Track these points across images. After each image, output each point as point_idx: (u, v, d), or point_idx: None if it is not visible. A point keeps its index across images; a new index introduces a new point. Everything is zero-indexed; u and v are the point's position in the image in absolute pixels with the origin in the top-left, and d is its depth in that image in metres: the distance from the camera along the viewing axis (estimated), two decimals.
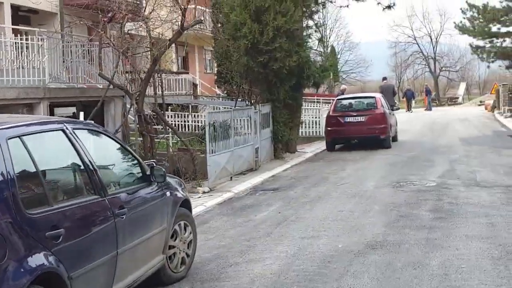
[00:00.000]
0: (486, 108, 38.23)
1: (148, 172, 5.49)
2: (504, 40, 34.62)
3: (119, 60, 12.64)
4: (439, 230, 7.57)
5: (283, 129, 16.13)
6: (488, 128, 24.65)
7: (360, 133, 18.24)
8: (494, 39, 34.51)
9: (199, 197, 11.24)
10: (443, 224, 7.86)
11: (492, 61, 35.97)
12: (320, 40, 17.13)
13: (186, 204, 6.33)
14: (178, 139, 14.56)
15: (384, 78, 29.71)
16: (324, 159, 16.67)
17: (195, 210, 9.90)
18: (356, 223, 8.23)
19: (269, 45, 14.93)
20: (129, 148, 5.61)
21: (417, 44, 65.45)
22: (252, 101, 16.19)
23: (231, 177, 13.18)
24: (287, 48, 15.09)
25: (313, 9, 17.54)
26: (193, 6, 12.63)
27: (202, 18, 12.61)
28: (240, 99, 16.91)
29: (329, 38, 62.85)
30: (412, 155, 16.09)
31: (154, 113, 14.30)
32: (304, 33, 17.31)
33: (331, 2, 18.30)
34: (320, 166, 14.93)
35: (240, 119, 14.46)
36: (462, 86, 59.71)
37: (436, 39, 65.79)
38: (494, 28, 34.19)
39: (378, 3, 18.34)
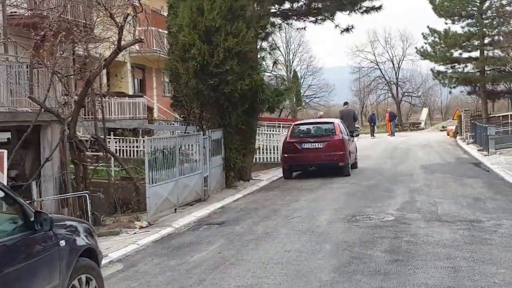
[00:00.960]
0: (448, 134, 38.02)
1: (32, 219, 4.42)
2: (466, 66, 34.63)
3: (51, 82, 11.49)
4: (395, 276, 6.64)
5: (236, 156, 15.16)
6: (450, 155, 24.13)
7: (318, 160, 17.41)
8: (456, 64, 34.49)
9: (135, 233, 10.13)
10: (399, 269, 6.94)
11: (454, 87, 35.95)
12: (275, 63, 16.21)
13: (91, 253, 5.26)
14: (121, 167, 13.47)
15: (345, 103, 28.93)
16: (279, 187, 15.73)
17: (126, 250, 8.83)
18: (302, 267, 7.25)
19: (220, 67, 14.01)
20: (8, 190, 4.52)
21: (379, 69, 65.70)
22: (204, 126, 15.21)
23: (175, 209, 12.11)
24: (239, 71, 14.19)
25: (268, 30, 16.72)
26: (134, 26, 11.57)
27: (143, 37, 11.59)
28: (191, 124, 15.93)
29: (292, 62, 62.73)
30: (371, 184, 15.28)
31: (94, 139, 13.21)
32: (259, 56, 16.46)
33: (288, 24, 17.54)
34: (274, 196, 13.96)
35: (188, 146, 13.43)
36: (425, 111, 59.96)
37: (398, 64, 66.18)
38: (455, 54, 34.20)
39: (336, 26, 17.68)
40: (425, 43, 34.99)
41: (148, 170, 10.89)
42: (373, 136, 39.74)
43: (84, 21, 12.58)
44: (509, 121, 29.80)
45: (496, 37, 32.93)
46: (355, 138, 38.10)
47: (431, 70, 35.79)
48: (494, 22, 32.70)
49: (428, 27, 34.60)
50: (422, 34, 34.89)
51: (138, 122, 23.93)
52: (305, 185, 15.71)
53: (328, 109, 65.70)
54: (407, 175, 17.16)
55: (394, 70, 66.02)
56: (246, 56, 14.60)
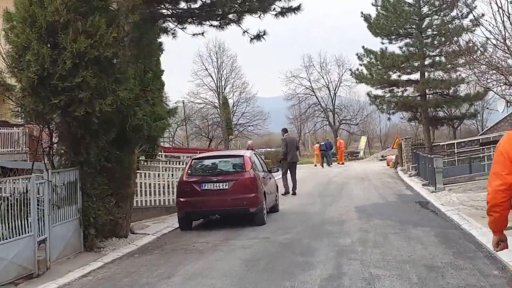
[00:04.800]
0: (388, 164, 34.96)
1: None
2: (405, 89, 31.47)
3: None
4: None
5: (98, 206, 10.75)
6: (391, 191, 20.52)
7: (223, 206, 13.30)
8: (394, 88, 31.31)
9: None
10: None
11: (393, 112, 32.68)
12: (155, 75, 11.91)
13: None
14: None
15: (285, 130, 23.62)
16: (163, 247, 11.43)
17: None
18: None
19: (67, 80, 9.75)
20: None
21: (315, 96, 62.67)
22: (55, 164, 10.84)
23: None
24: (96, 85, 9.95)
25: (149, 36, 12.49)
26: None
27: None
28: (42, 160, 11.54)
29: (224, 89, 59.02)
30: (288, 240, 11.25)
31: None
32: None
33: (182, 29, 13.48)
34: (144, 266, 9.62)
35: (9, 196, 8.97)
36: (363, 140, 57.10)
37: (335, 90, 63.36)
38: (394, 76, 30.99)
39: (245, 32, 13.75)
40: (361, 65, 31.70)
41: None
42: (327, 165, 38.82)
43: None
44: (455, 150, 26.59)
45: (437, 58, 29.94)
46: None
47: (368, 94, 32.42)
48: (435, 42, 29.71)
49: (363, 47, 31.37)
50: (357, 54, 31.54)
51: (14, 157, 19.34)
52: (200, 243, 11.53)
53: (268, 137, 62.30)
54: (337, 223, 13.27)
55: (331, 96, 63.17)
56: (112, 65, 10.39)
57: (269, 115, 60.21)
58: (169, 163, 23.93)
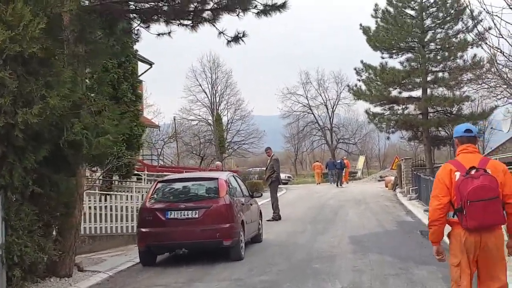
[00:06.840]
0: (386, 185, 32.91)
1: None
2: (406, 107, 29.39)
3: None
4: None
5: (25, 242, 8.58)
6: (390, 217, 18.40)
7: (191, 238, 11.15)
8: (394, 105, 29.24)
9: None
10: None
11: (392, 132, 30.60)
12: (101, 81, 9.77)
13: None
14: None
15: (270, 148, 21.85)
16: None
17: None
18: None
19: None
20: None
21: (312, 114, 60.63)
22: None
23: None
24: (18, 90, 7.87)
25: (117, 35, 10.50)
26: None
27: None
28: None
29: (219, 106, 57.01)
30: (264, 284, 9.14)
31: None
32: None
33: (146, 28, 11.42)
34: None
35: None
36: (361, 159, 54.96)
37: (333, 108, 61.36)
38: (394, 92, 28.94)
39: (221, 33, 11.74)
40: (359, 80, 29.65)
41: None
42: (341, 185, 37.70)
43: None
44: None
45: (440, 74, 27.94)
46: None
47: (366, 111, 30.29)
48: (438, 56, 27.70)
49: (362, 61, 29.39)
50: (355, 69, 29.48)
51: None
52: (157, 286, 9.40)
53: (257, 156, 60.13)
54: (327, 258, 11.15)
55: (328, 115, 61.18)
56: (43, 65, 8.31)
57: (265, 133, 58.16)
58: (150, 183, 21.91)
